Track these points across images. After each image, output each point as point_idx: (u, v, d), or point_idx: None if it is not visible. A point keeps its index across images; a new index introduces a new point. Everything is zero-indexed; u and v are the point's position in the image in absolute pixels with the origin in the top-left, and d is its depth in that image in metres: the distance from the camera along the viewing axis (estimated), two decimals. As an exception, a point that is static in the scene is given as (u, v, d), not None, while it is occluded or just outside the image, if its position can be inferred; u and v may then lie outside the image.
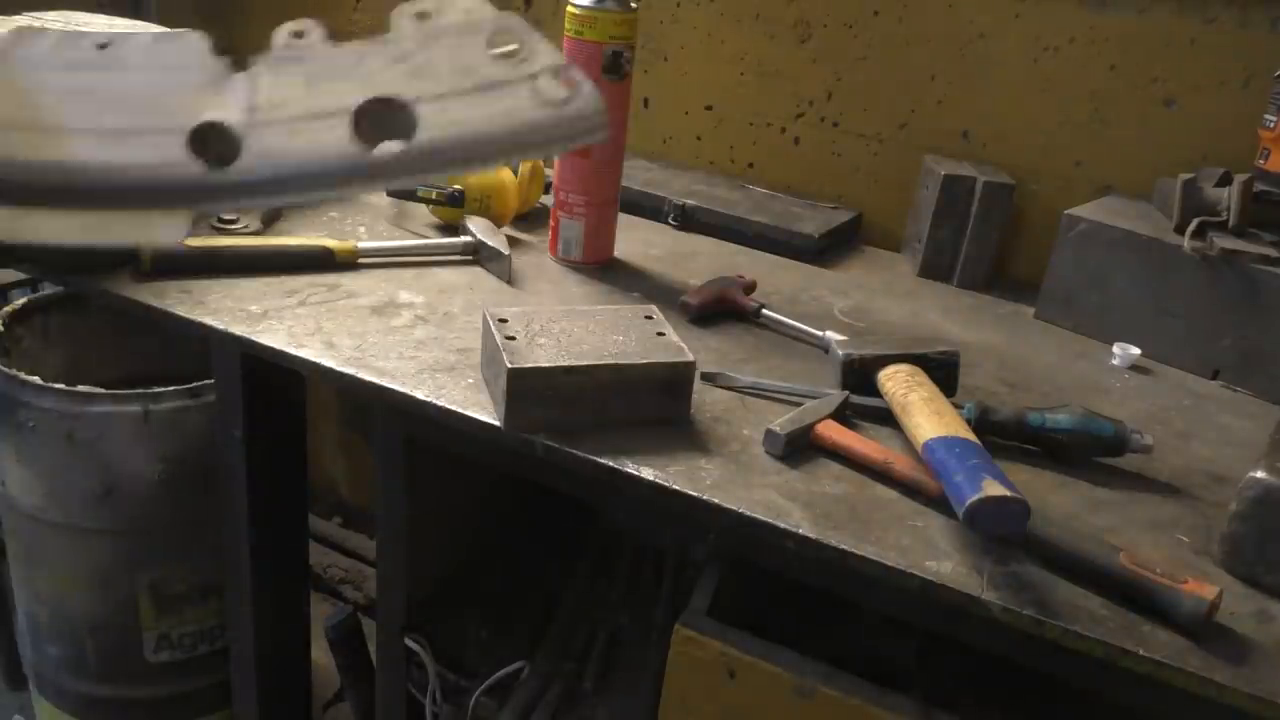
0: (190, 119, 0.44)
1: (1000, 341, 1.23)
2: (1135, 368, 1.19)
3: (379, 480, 1.08)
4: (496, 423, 0.87)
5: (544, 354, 0.87)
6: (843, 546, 0.77)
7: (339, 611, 1.53)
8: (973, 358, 1.13)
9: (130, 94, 0.45)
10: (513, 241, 1.28)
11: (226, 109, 0.45)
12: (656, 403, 0.90)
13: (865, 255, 1.50)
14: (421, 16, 0.54)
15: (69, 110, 0.44)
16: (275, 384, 1.14)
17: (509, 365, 0.85)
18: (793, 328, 1.14)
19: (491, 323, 0.91)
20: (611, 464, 0.83)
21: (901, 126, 1.52)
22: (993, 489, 0.73)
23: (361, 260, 1.19)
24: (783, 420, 0.88)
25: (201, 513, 1.34)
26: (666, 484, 0.82)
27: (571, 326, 0.93)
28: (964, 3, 1.42)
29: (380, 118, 0.50)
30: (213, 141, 0.44)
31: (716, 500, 0.80)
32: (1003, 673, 0.85)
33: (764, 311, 1.16)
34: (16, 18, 0.65)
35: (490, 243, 1.21)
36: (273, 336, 0.99)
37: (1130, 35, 1.34)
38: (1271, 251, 1.13)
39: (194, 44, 0.45)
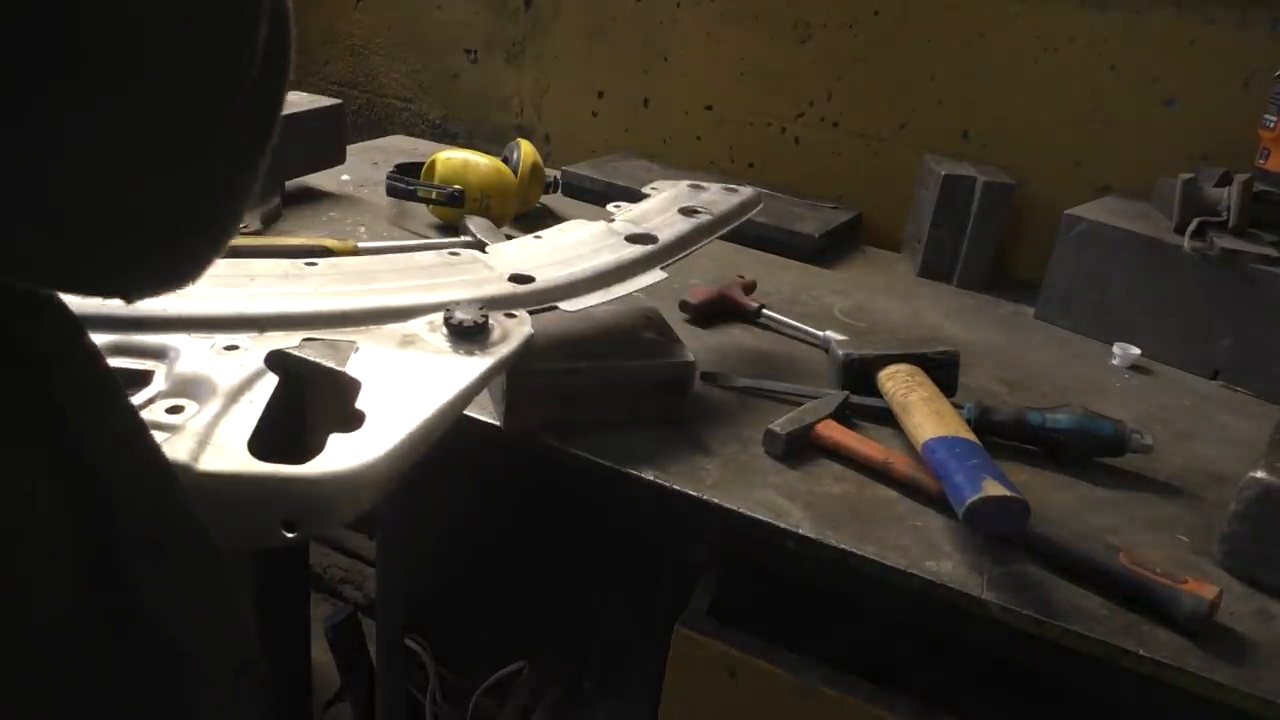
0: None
1: (1000, 341, 1.23)
2: (1135, 368, 1.19)
3: (379, 480, 1.08)
4: (497, 423, 0.87)
5: (544, 354, 0.87)
6: (843, 546, 0.77)
7: (339, 611, 1.53)
8: (973, 358, 1.13)
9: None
10: (513, 241, 1.28)
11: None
12: (656, 403, 0.90)
13: (865, 255, 1.50)
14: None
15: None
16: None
17: (509, 365, 0.85)
18: (793, 328, 1.14)
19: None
20: (611, 464, 0.83)
21: (901, 126, 1.52)
22: (993, 489, 0.73)
23: (361, 260, 1.19)
24: (783, 420, 0.88)
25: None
26: (666, 484, 0.82)
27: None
28: (964, 3, 1.42)
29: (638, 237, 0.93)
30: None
31: (716, 500, 0.80)
32: (1003, 673, 0.85)
33: (764, 311, 1.16)
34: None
35: (490, 243, 1.21)
36: (273, 336, 0.99)
37: (1130, 35, 1.34)
38: (1271, 251, 1.13)
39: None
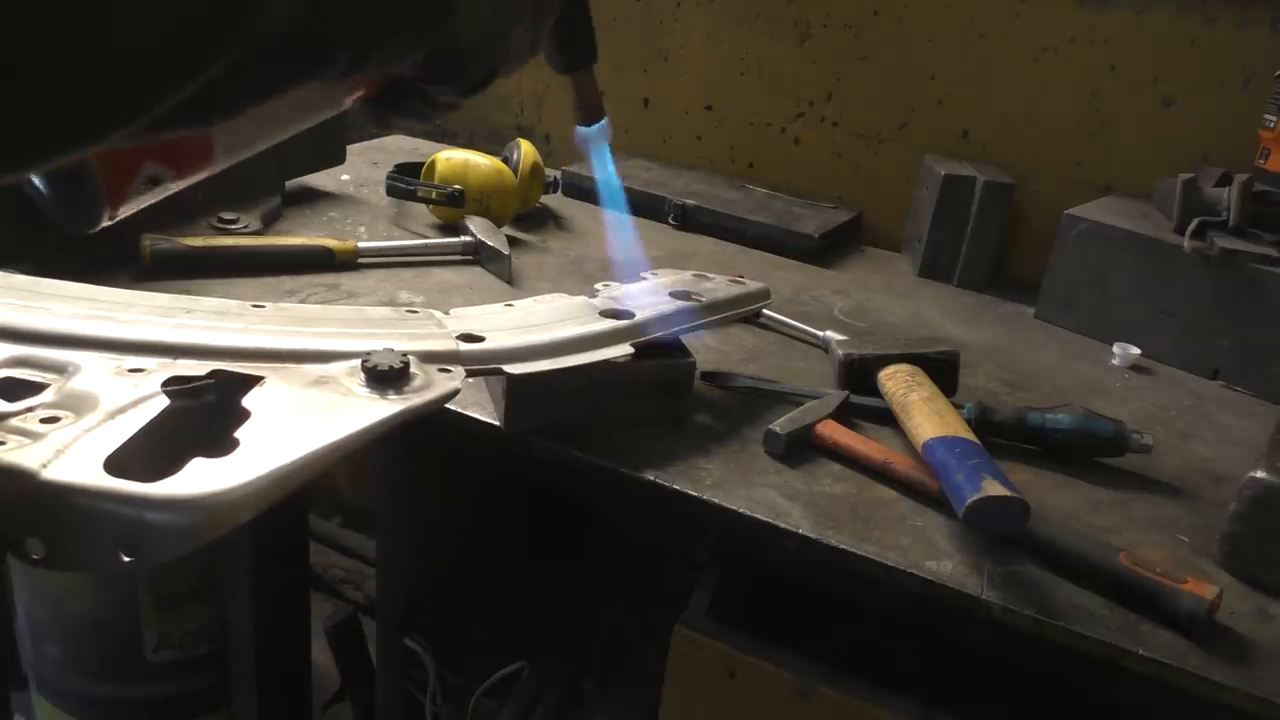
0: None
1: (1000, 341, 1.23)
2: (1135, 368, 1.19)
3: (379, 480, 1.08)
4: (496, 423, 0.87)
5: (544, 354, 0.87)
6: (843, 546, 0.77)
7: (339, 611, 1.53)
8: (973, 358, 1.13)
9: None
10: (513, 241, 1.28)
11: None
12: (656, 403, 0.90)
13: (865, 255, 1.50)
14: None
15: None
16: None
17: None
18: (793, 328, 1.14)
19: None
20: (611, 464, 0.83)
21: (901, 126, 1.52)
22: (993, 489, 0.73)
23: (361, 260, 1.19)
24: (783, 420, 0.88)
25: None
26: (666, 484, 0.82)
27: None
28: (964, 3, 1.42)
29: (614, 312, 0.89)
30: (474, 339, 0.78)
31: (716, 500, 0.80)
32: (1003, 673, 0.85)
33: (764, 311, 1.16)
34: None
35: (490, 243, 1.21)
36: (273, 336, 0.99)
37: (1130, 35, 1.34)
38: (1271, 251, 1.13)
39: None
